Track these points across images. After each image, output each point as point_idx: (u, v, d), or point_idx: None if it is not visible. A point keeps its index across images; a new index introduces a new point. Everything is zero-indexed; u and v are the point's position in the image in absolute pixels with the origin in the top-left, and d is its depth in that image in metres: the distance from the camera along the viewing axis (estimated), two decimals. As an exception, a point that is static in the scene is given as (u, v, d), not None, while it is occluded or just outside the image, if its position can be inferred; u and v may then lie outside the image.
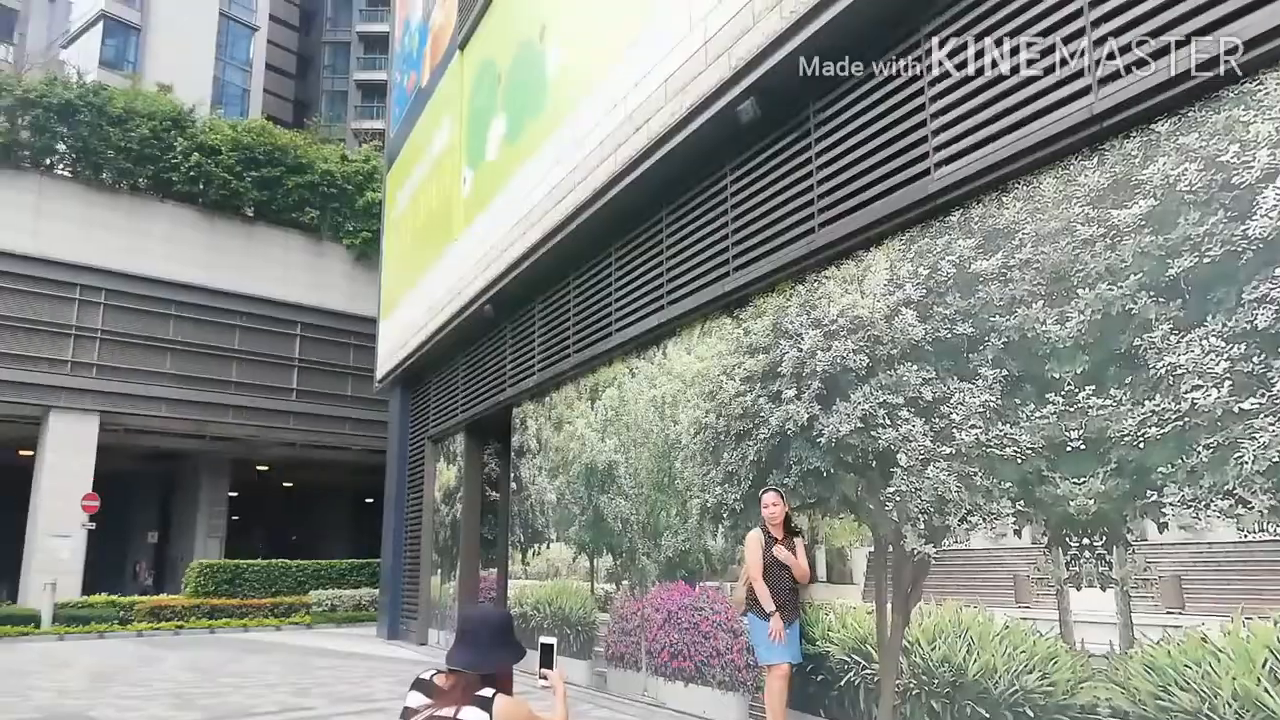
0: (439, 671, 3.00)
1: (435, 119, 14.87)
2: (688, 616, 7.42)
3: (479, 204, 12.15)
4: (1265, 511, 3.60)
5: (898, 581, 5.41)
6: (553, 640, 3.33)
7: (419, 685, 3.00)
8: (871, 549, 5.64)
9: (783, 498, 5.97)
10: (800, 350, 6.35)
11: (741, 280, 6.96)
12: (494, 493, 13.40)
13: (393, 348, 16.24)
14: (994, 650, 4.70)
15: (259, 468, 28.77)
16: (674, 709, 7.36)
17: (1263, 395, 3.62)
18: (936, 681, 5.01)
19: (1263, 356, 3.64)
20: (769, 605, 5.70)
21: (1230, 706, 3.60)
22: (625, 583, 8.46)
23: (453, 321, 12.61)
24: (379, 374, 17.31)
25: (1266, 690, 3.50)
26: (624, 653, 8.30)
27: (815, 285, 6.32)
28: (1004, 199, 4.94)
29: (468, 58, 13.35)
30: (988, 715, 4.66)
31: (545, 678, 3.26)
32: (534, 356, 10.78)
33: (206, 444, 24.57)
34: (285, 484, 32.90)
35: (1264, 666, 3.52)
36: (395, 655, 12.88)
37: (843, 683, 5.68)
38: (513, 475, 11.40)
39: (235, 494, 28.82)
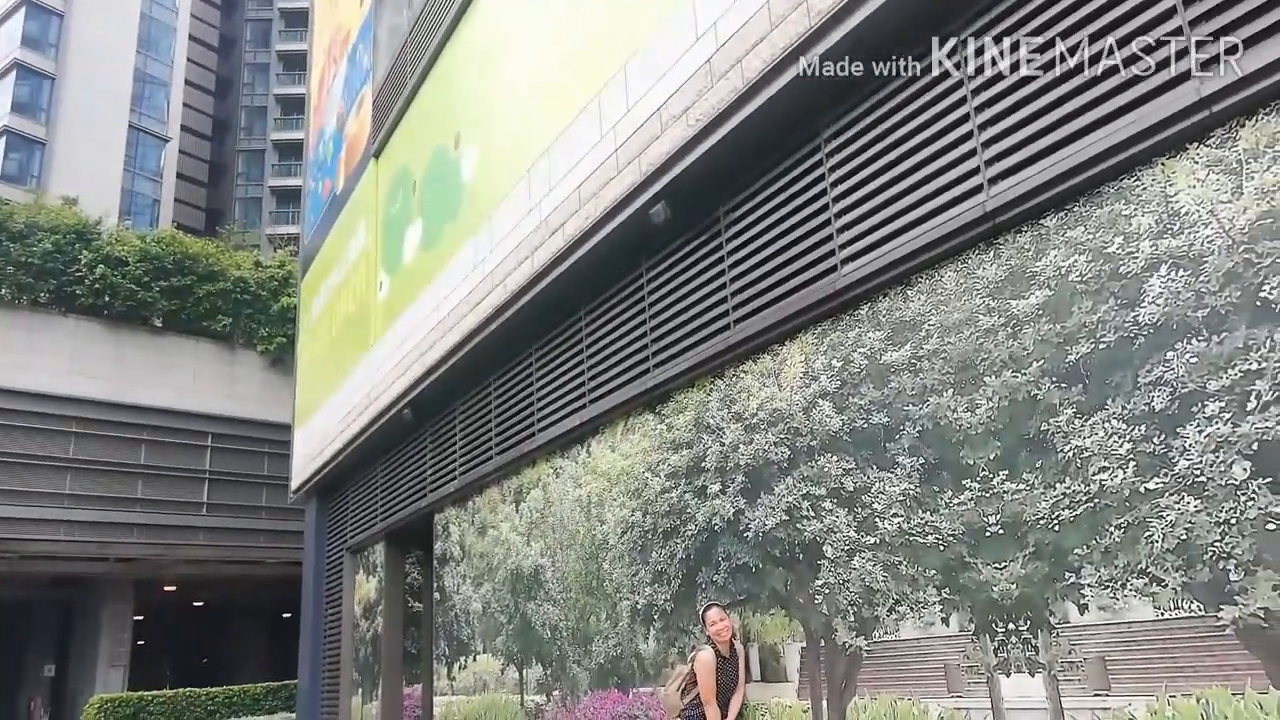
0: None
1: (350, 225, 14.83)
2: (622, 725, 7.17)
3: (396, 309, 12.06)
4: (1178, 589, 3.69)
5: (831, 677, 5.34)
6: None
7: None
8: (804, 644, 5.58)
9: (725, 612, 5.89)
10: (723, 444, 6.38)
11: (662, 376, 7.00)
12: (416, 604, 12.90)
13: (308, 456, 15.74)
14: (931, 744, 4.65)
15: (166, 588, 27.20)
16: (611, 826, 7.03)
17: (1166, 475, 3.76)
18: (877, 780, 4.91)
19: (1162, 437, 3.79)
20: None
21: (1163, 788, 3.61)
22: (556, 693, 8.16)
23: (371, 427, 12.32)
24: (294, 484, 16.71)
25: (1196, 769, 3.52)
26: (557, 768, 7.95)
27: (734, 380, 6.40)
28: (909, 292, 5.12)
29: (382, 165, 13.44)
30: (930, 813, 4.58)
31: None
32: (455, 460, 10.57)
33: (109, 566, 23.16)
34: (195, 603, 31.14)
35: (1191, 745, 3.55)
36: (314, 786, 12.06)
37: (783, 787, 5.52)
38: (436, 585, 11.01)
39: (140, 618, 27.09)
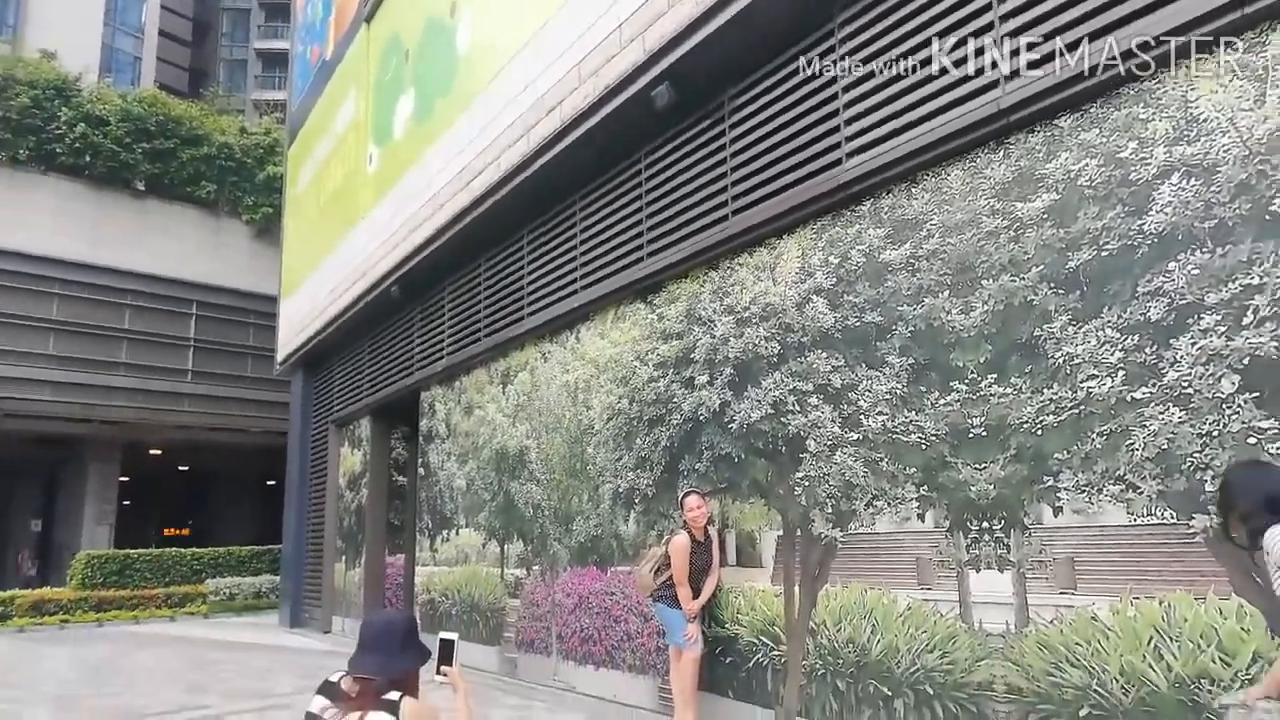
0: (345, 675, 2.91)
1: (340, 93, 14.37)
2: (599, 601, 7.40)
3: (386, 183, 11.81)
4: (1153, 496, 3.77)
5: (805, 565, 5.49)
6: (454, 636, 3.25)
7: (324, 689, 2.93)
8: (780, 533, 5.72)
9: (704, 499, 6.00)
10: (713, 337, 6.37)
11: (656, 266, 6.93)
12: (401, 478, 13.12)
13: (294, 329, 15.71)
14: (897, 631, 4.82)
15: (152, 451, 27.51)
16: (584, 693, 7.34)
17: (1153, 385, 3.78)
18: (842, 662, 5.11)
19: (1154, 348, 3.80)
20: (692, 612, 5.83)
21: (1117, 682, 3.77)
22: (536, 568, 8.39)
23: (358, 303, 12.25)
24: (280, 356, 16.73)
25: (1151, 666, 3.67)
26: (534, 638, 8.25)
27: (729, 272, 6.34)
28: (913, 190, 5.03)
29: (374, 32, 12.92)
30: (890, 693, 4.79)
31: (444, 674, 3.19)
32: (443, 340, 10.56)
33: (95, 428, 23.32)
34: (181, 468, 31.58)
35: (1149, 644, 3.69)
36: (298, 645, 12.51)
37: (751, 664, 5.75)
38: (420, 460, 11.17)
39: (126, 479, 27.50)
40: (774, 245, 5.97)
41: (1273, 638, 3.32)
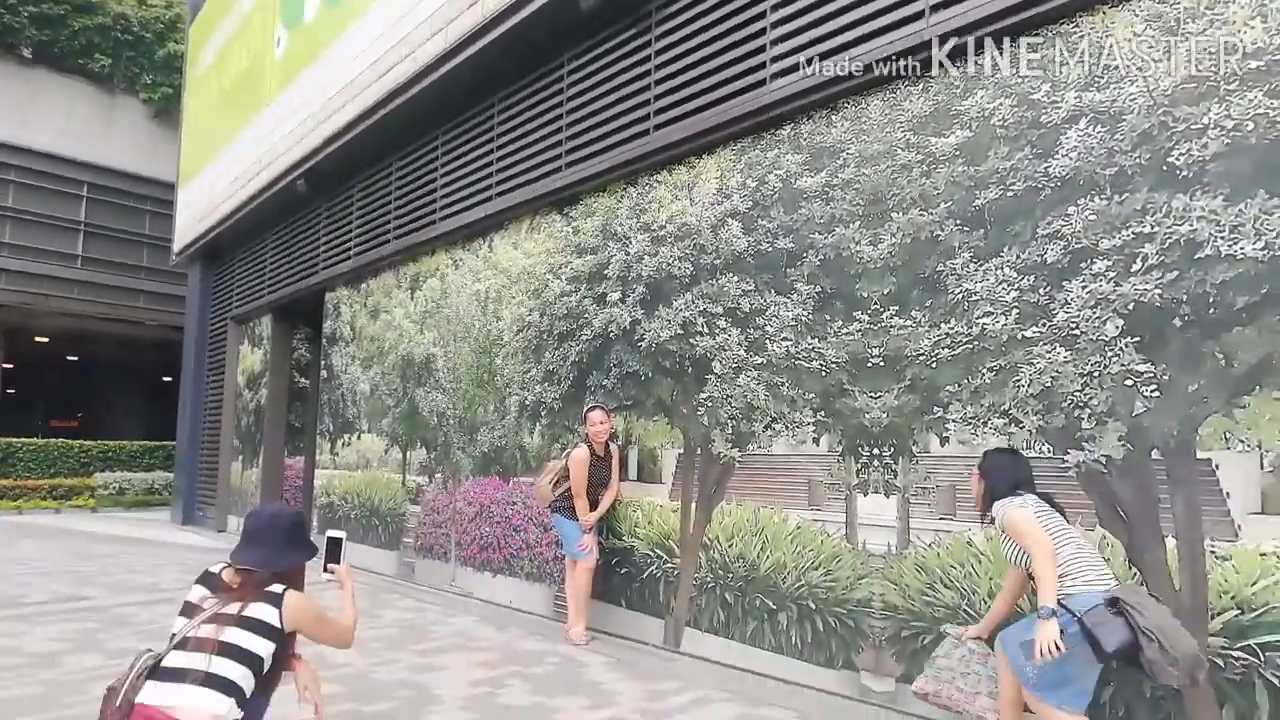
0: (227, 566, 2.86)
1: (249, -33, 13.42)
2: (500, 511, 7.45)
3: (294, 68, 11.18)
4: (1034, 431, 3.95)
5: (703, 482, 5.61)
6: (341, 534, 3.21)
7: (204, 580, 2.86)
8: (681, 451, 5.81)
9: (607, 413, 6.04)
10: (627, 254, 6.32)
11: (574, 177, 6.79)
12: (303, 379, 12.82)
13: (193, 218, 14.94)
14: (785, 548, 4.99)
15: (38, 339, 26.13)
16: (481, 599, 7.44)
17: (1043, 324, 3.92)
18: (731, 576, 5.28)
19: (1048, 289, 3.93)
20: (588, 524, 5.96)
21: (986, 602, 3.99)
22: (438, 476, 8.37)
23: (262, 195, 11.69)
24: (177, 246, 15.93)
25: (1015, 589, 3.89)
26: (433, 544, 8.27)
27: (647, 189, 6.26)
28: (833, 118, 5.01)
29: (288, -99, 12.04)
30: (775, 607, 4.98)
31: (332, 572, 3.17)
32: (351, 240, 10.21)
33: (-28, 310, 22.00)
34: (70, 358, 30.15)
35: (1016, 568, 3.90)
36: (189, 542, 12.28)
37: (645, 575, 5.90)
38: (323, 363, 10.90)
39: (10, 365, 26.13)
40: (693, 164, 5.91)
41: (1129, 567, 3.56)
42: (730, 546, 5.34)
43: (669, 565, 5.75)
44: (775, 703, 4.50)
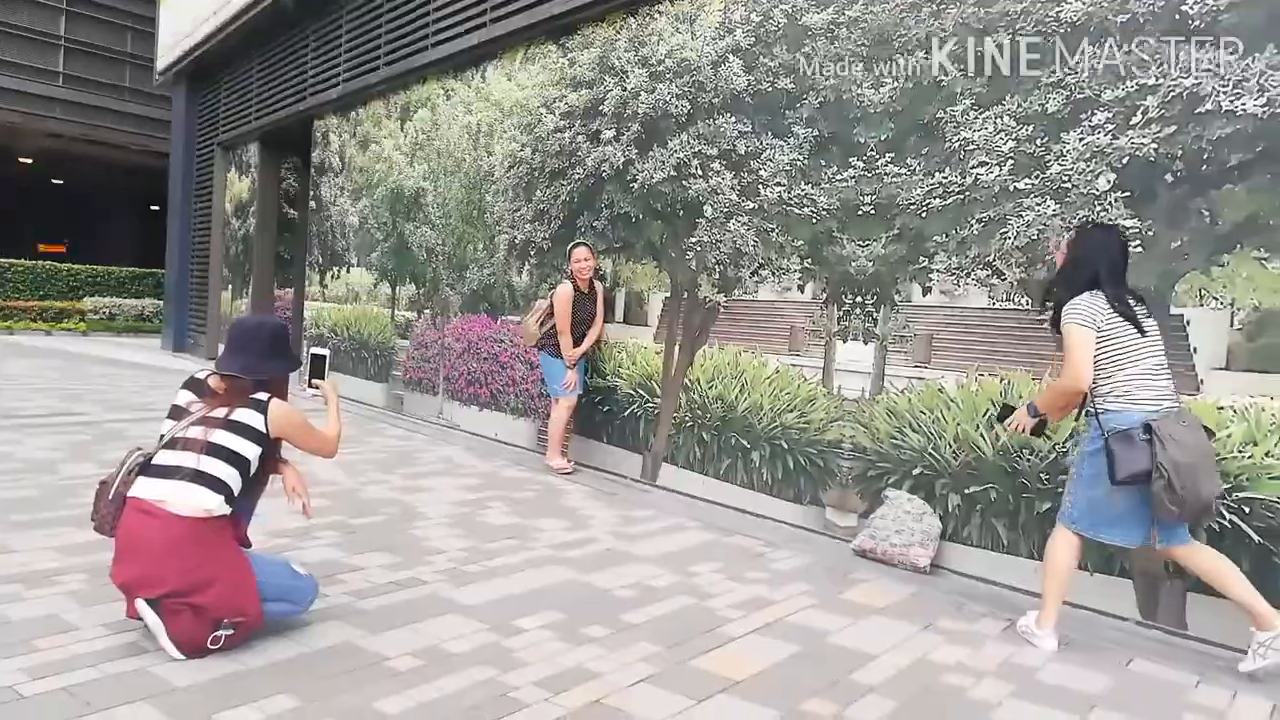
0: (212, 374, 2.92)
1: None
2: (488, 347, 7.55)
3: (281, -126, 10.47)
4: (1015, 284, 3.99)
5: (688, 326, 5.68)
6: (325, 350, 3.28)
7: (190, 384, 2.94)
8: (668, 295, 5.85)
9: (593, 252, 6.03)
10: (624, 89, 6.15)
11: (573, 3, 6.51)
12: (291, 210, 12.66)
13: (176, 36, 14.33)
14: (763, 391, 5.12)
15: (22, 160, 25.54)
16: (468, 430, 7.65)
17: (1036, 176, 3.89)
18: (709, 415, 5.43)
19: (1045, 140, 3.88)
20: (572, 359, 6.03)
21: (951, 447, 4.15)
22: (427, 312, 8.42)
23: (247, 13, 11.19)
24: (160, 65, 15.34)
25: (981, 435, 4.04)
26: (422, 378, 8.43)
27: (647, 20, 6.03)
28: (845, -51, 4.79)
29: None
30: (749, 446, 5.16)
31: (316, 387, 3.25)
32: (340, 65, 9.86)
33: (-47, 126, 21.37)
34: (55, 181, 29.57)
35: (984, 415, 4.04)
36: (180, 368, 12.44)
37: (627, 413, 6.06)
38: (312, 193, 10.75)
39: (-7, 186, 25.67)
40: (696, -4, 5.67)
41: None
42: (710, 388, 5.46)
43: (650, 404, 5.89)
44: (743, 532, 4.73)
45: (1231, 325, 3.37)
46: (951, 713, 2.65)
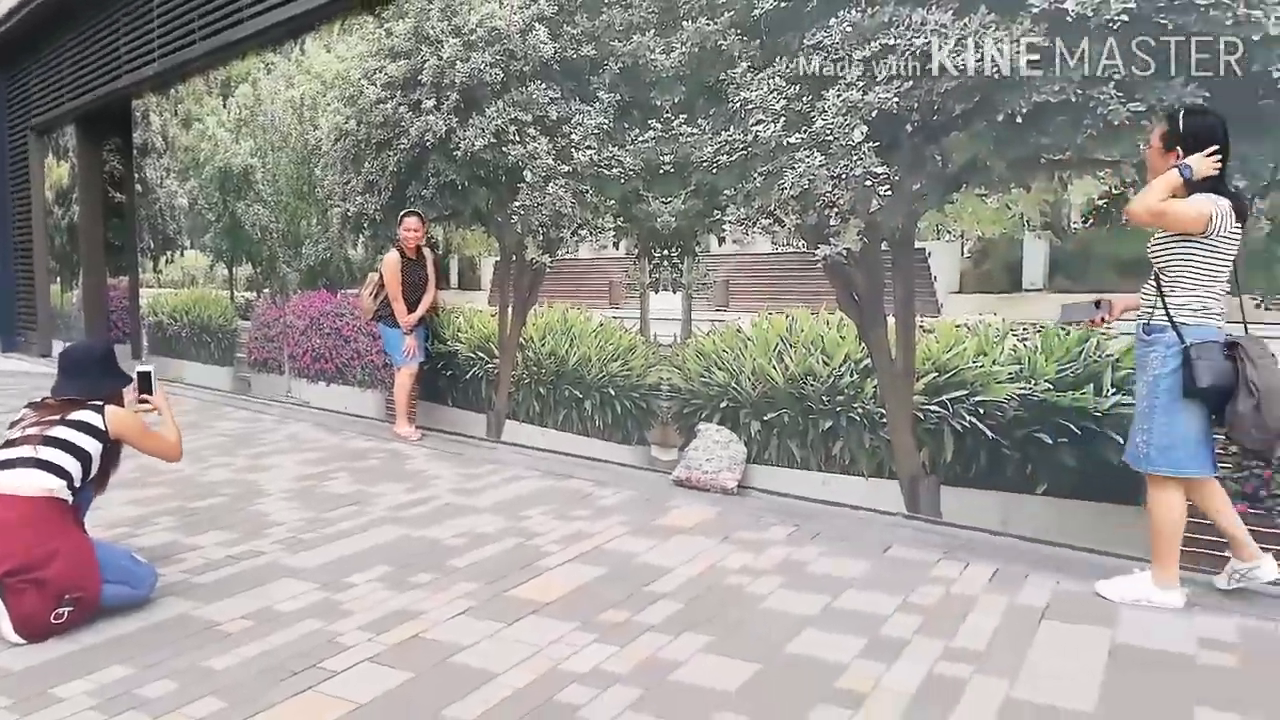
0: (49, 398, 3.09)
1: None
2: (330, 322, 7.59)
3: None
4: (792, 230, 4.42)
5: (518, 287, 5.94)
6: (149, 367, 3.46)
7: (30, 406, 3.11)
8: (498, 259, 6.08)
9: (423, 221, 6.18)
10: (440, 59, 6.26)
11: (382, -25, 6.55)
12: (119, 194, 12.11)
13: (-28, 14, 13.34)
14: (589, 344, 5.44)
15: None
16: (317, 407, 7.69)
17: (805, 131, 4.30)
18: (544, 371, 5.73)
19: (809, 98, 4.28)
20: (408, 325, 6.18)
21: (750, 380, 4.58)
22: (266, 291, 8.35)
23: (47, -12, 10.58)
24: (-43, 46, 14.25)
25: (773, 367, 4.48)
26: (267, 358, 8.37)
27: (456, -10, 6.15)
28: (630, -80, 5.05)
29: None
30: (581, 396, 5.48)
31: (146, 402, 3.41)
32: (154, 40, 9.48)
33: None
34: None
35: (774, 350, 4.48)
36: (13, 369, 11.84)
37: (469, 376, 6.29)
38: (137, 176, 10.36)
39: None
40: (500, -34, 5.83)
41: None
42: (543, 345, 5.75)
43: (490, 365, 6.13)
44: (578, 476, 5.07)
45: (962, 255, 3.89)
46: (730, 607, 3.05)
